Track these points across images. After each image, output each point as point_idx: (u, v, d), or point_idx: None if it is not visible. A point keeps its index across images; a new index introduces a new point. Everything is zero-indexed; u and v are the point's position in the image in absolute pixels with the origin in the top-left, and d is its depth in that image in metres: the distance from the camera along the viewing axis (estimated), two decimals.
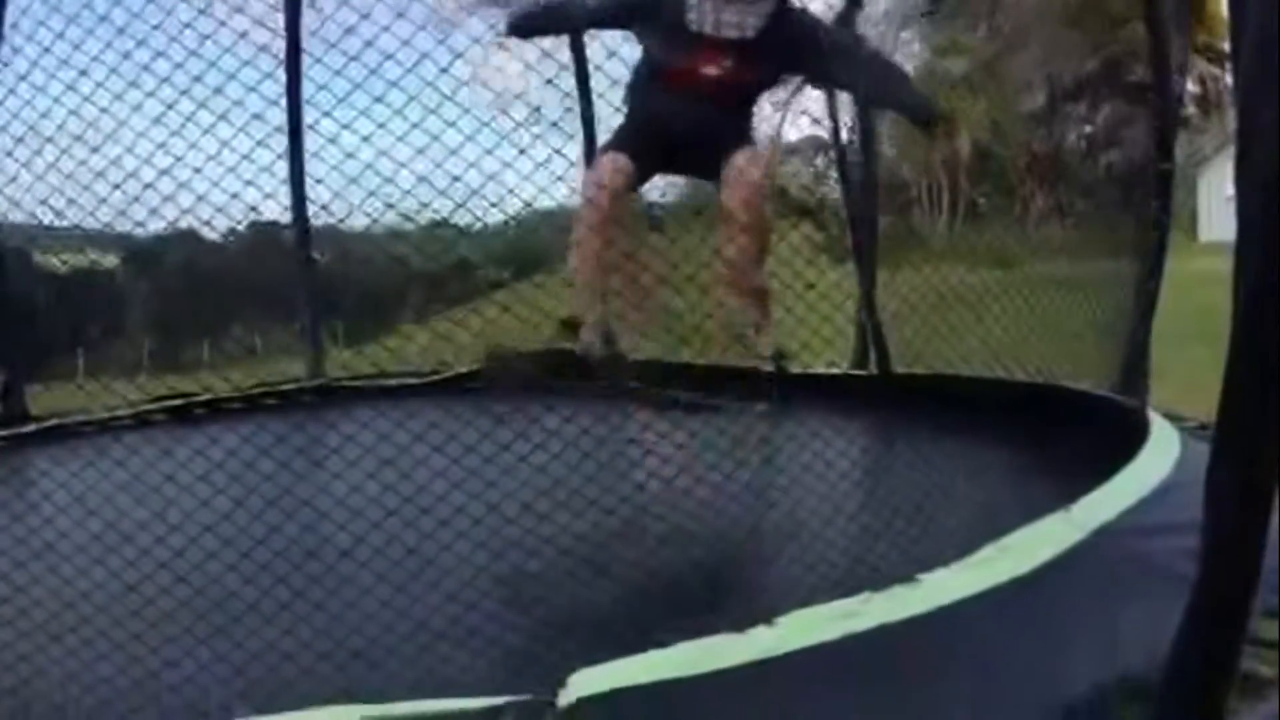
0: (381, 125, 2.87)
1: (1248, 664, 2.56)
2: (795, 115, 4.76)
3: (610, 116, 4.60)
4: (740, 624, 2.28)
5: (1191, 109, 23.33)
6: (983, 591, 2.41)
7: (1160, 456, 3.32)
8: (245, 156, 2.97)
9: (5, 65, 3.45)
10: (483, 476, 3.04)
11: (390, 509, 3.05)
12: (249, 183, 3.03)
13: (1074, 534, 2.67)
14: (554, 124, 3.19)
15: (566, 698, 2.12)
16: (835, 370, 5.95)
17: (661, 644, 2.24)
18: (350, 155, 2.97)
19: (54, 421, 6.16)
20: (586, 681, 2.15)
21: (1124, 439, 3.54)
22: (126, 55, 3.04)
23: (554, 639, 2.61)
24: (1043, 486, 3.26)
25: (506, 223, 3.65)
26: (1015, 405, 4.38)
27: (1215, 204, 21.81)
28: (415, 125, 2.80)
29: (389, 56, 2.81)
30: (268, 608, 2.79)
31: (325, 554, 3.11)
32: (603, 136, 6.81)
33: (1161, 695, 2.01)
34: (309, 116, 6.37)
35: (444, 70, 2.78)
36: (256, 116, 3.12)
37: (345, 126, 2.92)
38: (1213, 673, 1.94)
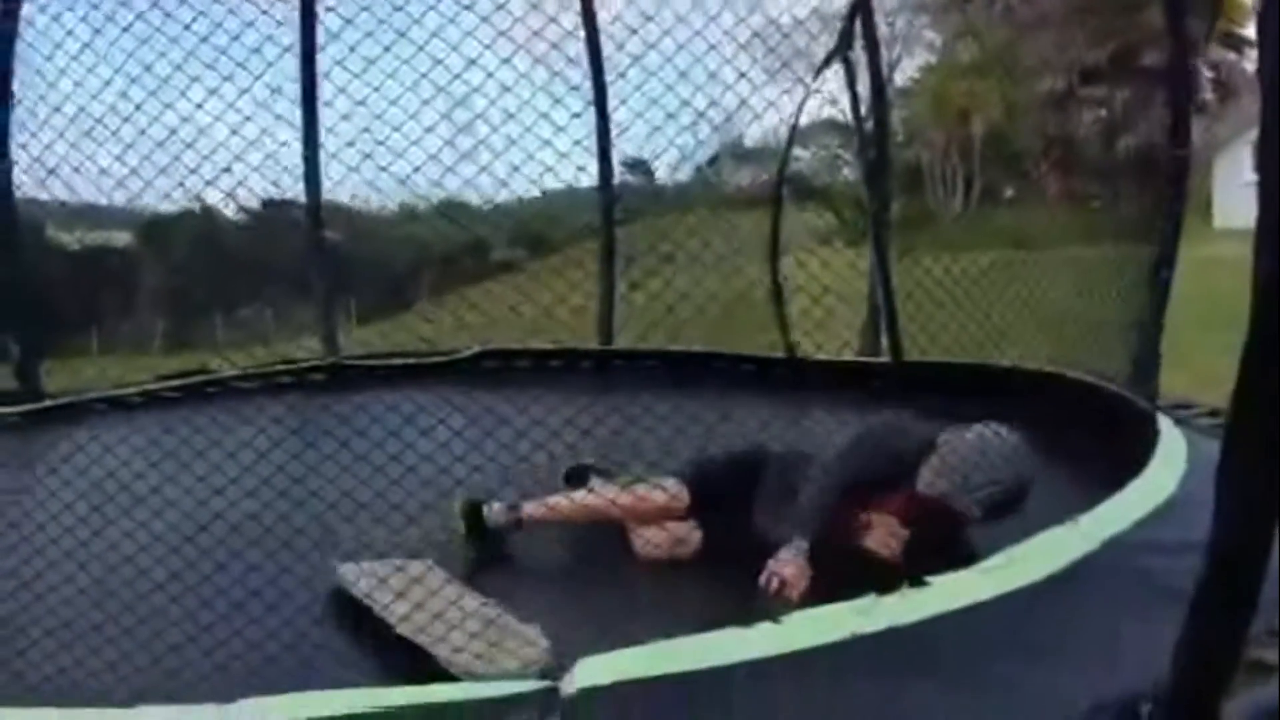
0: (393, 103, 2.87)
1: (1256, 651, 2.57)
2: (811, 97, 4.76)
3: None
4: (747, 621, 2.28)
5: (1209, 94, 23.14)
6: (991, 598, 2.41)
7: (1168, 468, 3.30)
8: (264, 131, 2.98)
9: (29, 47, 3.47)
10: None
11: (396, 484, 3.06)
12: (269, 157, 3.04)
13: (1083, 545, 2.67)
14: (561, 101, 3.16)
15: (571, 686, 2.12)
16: (846, 356, 5.93)
17: (667, 635, 2.24)
18: (365, 130, 2.98)
19: (68, 398, 6.18)
20: (592, 670, 2.15)
21: (1133, 441, 3.55)
22: (144, 40, 3.05)
23: (565, 623, 2.61)
24: (1052, 487, 3.27)
25: (519, 202, 3.64)
26: (1027, 397, 4.36)
27: (1231, 190, 21.66)
28: (425, 102, 2.80)
29: (402, 34, 2.81)
30: (272, 593, 2.81)
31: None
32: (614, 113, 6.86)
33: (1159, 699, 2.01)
34: (324, 93, 6.44)
35: (454, 48, 2.77)
36: (274, 91, 3.12)
37: (360, 103, 2.92)
38: (1211, 668, 1.94)
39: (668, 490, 3.39)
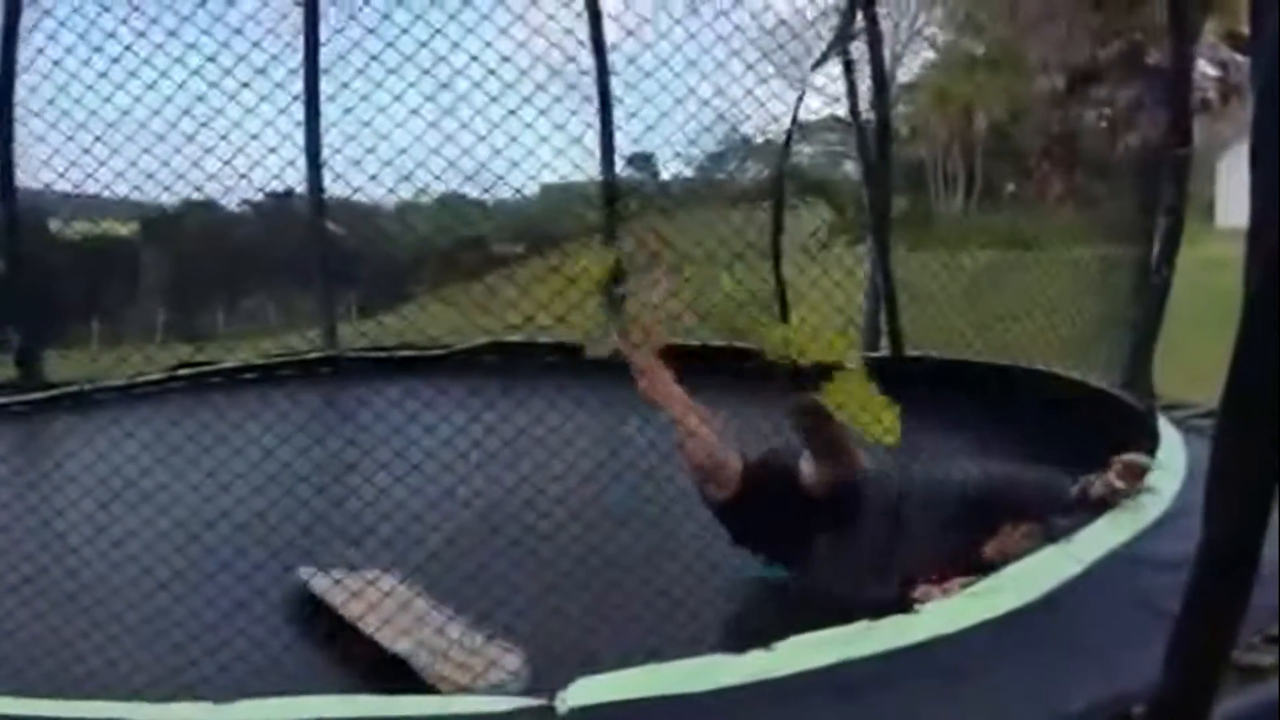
0: (397, 98, 2.88)
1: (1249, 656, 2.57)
2: (812, 93, 4.76)
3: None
4: (738, 646, 2.29)
5: (1211, 93, 23.08)
6: (981, 622, 2.41)
7: (1165, 480, 3.23)
8: (269, 123, 3.00)
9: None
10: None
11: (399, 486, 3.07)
12: (272, 150, 3.05)
13: (1072, 567, 2.65)
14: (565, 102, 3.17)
15: (565, 704, 2.13)
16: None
17: (659, 657, 2.26)
18: (366, 125, 2.99)
19: (70, 388, 6.20)
20: (585, 690, 2.16)
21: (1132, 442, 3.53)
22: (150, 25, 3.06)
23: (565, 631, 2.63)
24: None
25: (519, 198, 3.65)
26: (1025, 394, 4.36)
27: (1233, 189, 21.61)
28: (429, 99, 2.81)
29: (404, 31, 2.81)
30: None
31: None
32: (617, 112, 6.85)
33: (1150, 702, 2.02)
34: (326, 88, 6.46)
35: (456, 45, 2.78)
36: (277, 86, 3.14)
37: (363, 98, 2.94)
38: (1202, 671, 1.94)
39: (726, 459, 3.32)
